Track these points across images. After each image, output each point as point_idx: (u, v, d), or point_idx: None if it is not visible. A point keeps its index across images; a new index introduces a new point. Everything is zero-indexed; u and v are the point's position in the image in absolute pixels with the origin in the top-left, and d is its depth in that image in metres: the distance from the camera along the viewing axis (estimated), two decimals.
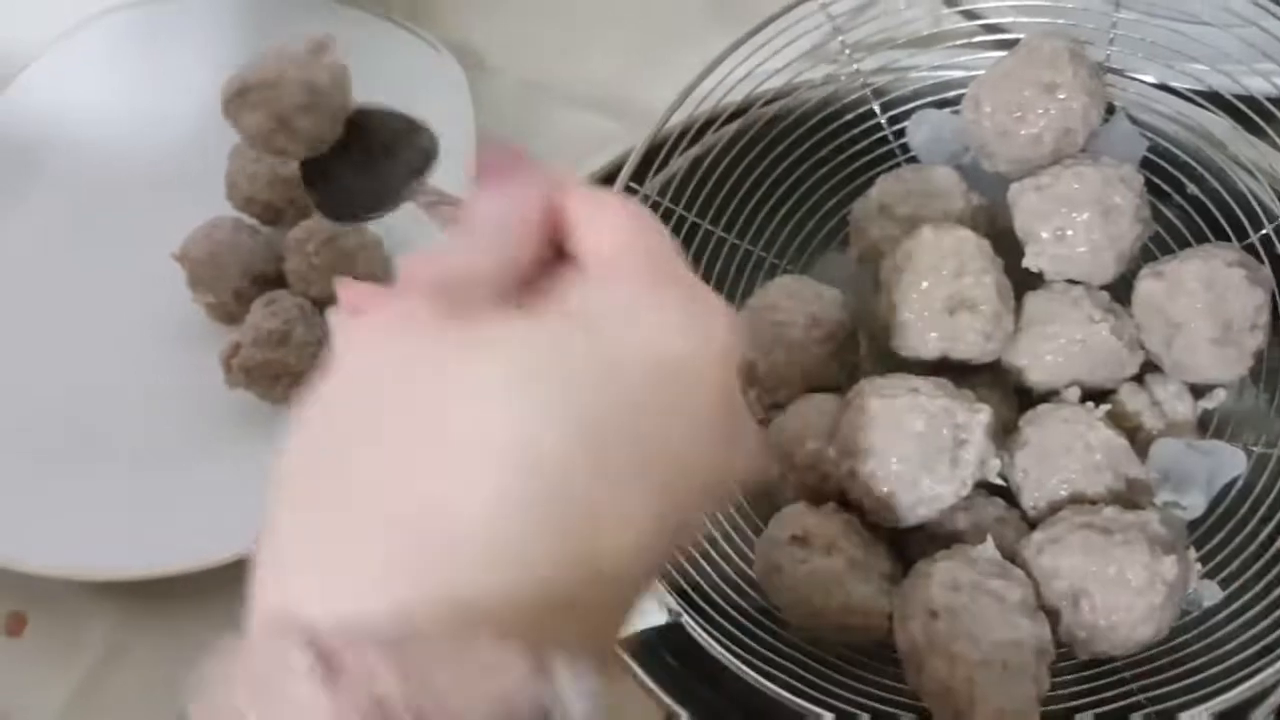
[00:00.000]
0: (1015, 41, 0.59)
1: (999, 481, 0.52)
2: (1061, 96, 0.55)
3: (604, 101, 0.86)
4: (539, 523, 0.27)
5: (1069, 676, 0.51)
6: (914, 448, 0.50)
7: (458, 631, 0.26)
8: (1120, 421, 0.54)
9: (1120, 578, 0.48)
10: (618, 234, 0.32)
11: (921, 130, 0.62)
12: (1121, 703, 0.50)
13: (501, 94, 0.88)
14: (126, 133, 0.94)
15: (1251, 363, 0.54)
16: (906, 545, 0.54)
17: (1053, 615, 0.49)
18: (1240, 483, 0.54)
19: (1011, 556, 0.51)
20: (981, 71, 0.59)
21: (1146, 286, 0.55)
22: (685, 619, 0.51)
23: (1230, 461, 0.55)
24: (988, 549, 0.50)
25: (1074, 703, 0.50)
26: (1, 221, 0.91)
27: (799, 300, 0.58)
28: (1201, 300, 0.53)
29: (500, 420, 0.27)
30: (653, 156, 0.60)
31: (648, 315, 0.30)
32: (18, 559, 0.74)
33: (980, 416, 0.50)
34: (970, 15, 0.64)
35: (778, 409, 0.58)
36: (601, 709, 0.26)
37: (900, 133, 0.63)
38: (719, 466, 0.32)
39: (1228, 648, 0.50)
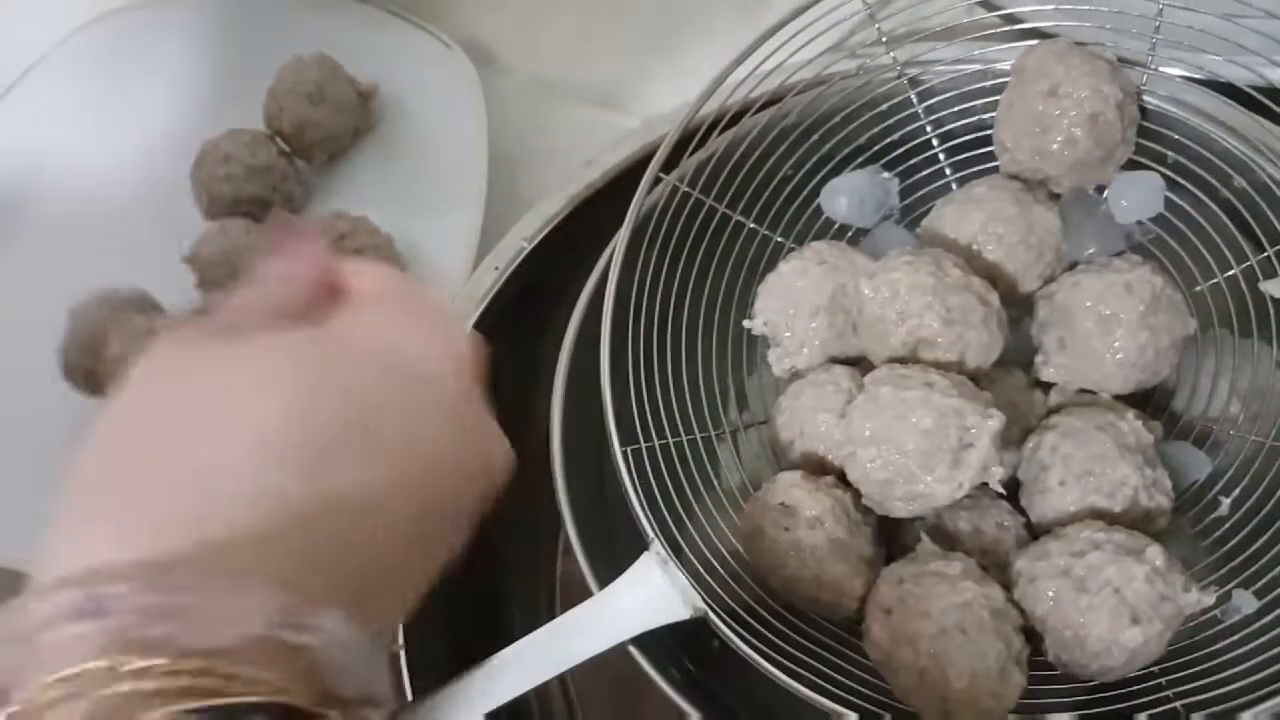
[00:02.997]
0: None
1: (1000, 490, 0.55)
2: (1067, 91, 0.58)
3: (614, 97, 0.89)
4: (289, 468, 0.36)
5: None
6: (917, 444, 0.52)
7: (223, 571, 0.33)
8: None
9: (1079, 637, 0.51)
10: (378, 280, 0.44)
11: (839, 200, 0.65)
12: (1157, 709, 0.51)
13: (512, 90, 0.91)
14: (129, 136, 0.96)
15: None
16: (900, 535, 0.58)
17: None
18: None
19: (1005, 567, 0.54)
20: None
21: None
22: (711, 615, 0.53)
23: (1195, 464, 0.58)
24: (925, 544, 0.54)
25: (1110, 707, 0.52)
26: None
27: (829, 266, 0.60)
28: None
29: (250, 402, 0.37)
30: (680, 147, 0.63)
31: (392, 331, 0.41)
32: (29, 561, 0.76)
33: (991, 423, 0.52)
34: (1011, 19, 0.65)
35: (797, 375, 0.60)
36: (361, 657, 0.34)
37: (938, 123, 0.65)
38: (464, 457, 0.42)
39: (1266, 656, 0.51)
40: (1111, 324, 0.56)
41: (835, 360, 0.61)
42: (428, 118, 0.91)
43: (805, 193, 0.65)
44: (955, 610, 0.50)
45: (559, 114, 0.91)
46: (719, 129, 0.63)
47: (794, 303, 0.60)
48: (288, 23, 0.97)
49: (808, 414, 0.58)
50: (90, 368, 0.80)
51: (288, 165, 0.88)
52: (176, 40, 0.99)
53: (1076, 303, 0.57)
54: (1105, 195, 0.61)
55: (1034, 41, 0.61)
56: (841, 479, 0.56)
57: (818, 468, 0.58)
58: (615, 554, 0.58)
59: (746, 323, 0.61)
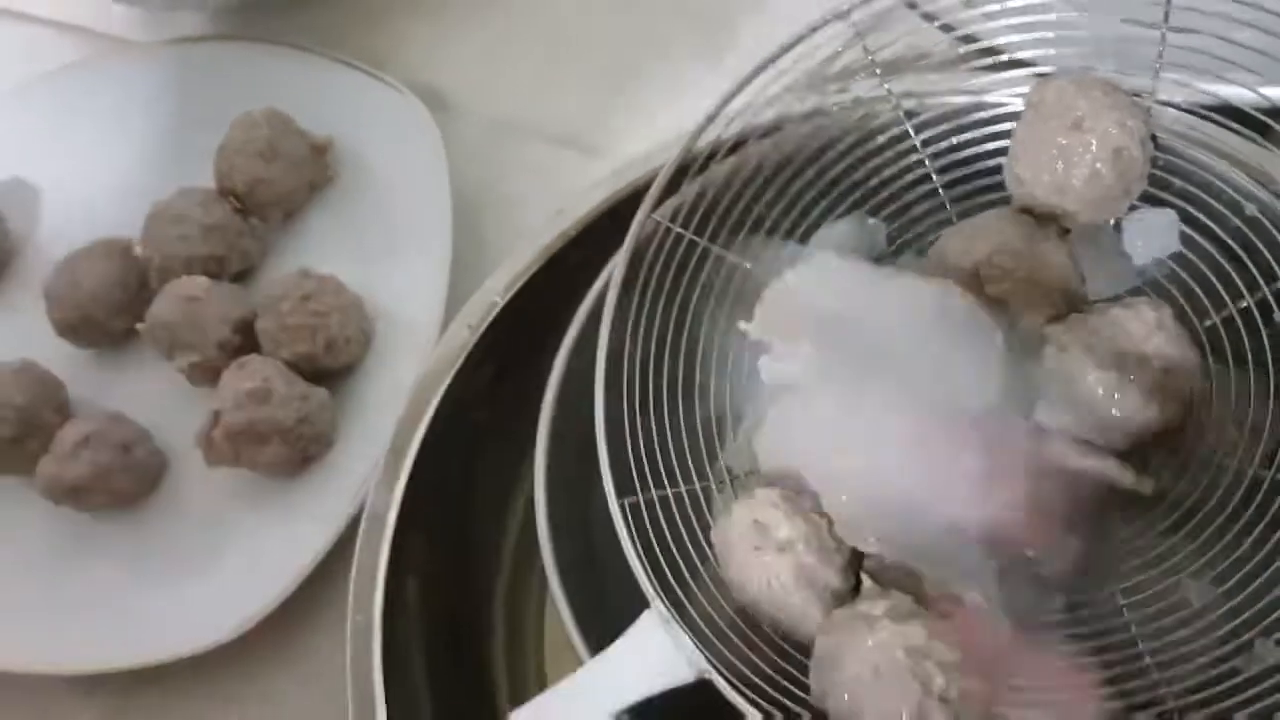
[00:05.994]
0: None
1: None
2: (1091, 125, 0.57)
3: (576, 136, 0.90)
4: None
5: None
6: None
7: None
8: None
9: None
10: None
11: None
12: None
13: (470, 134, 0.92)
14: (74, 193, 0.96)
15: None
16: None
17: None
18: None
19: None
20: (1019, 89, 0.62)
21: None
22: (717, 678, 0.53)
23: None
24: (867, 585, 0.54)
25: None
26: None
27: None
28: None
29: None
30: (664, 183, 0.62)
31: None
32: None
33: None
34: (991, 51, 0.66)
35: (788, 386, 0.60)
36: None
37: (936, 155, 0.65)
38: None
39: None
40: (1120, 398, 0.56)
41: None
42: (386, 168, 0.90)
43: (803, 228, 0.64)
44: (869, 653, 0.50)
45: (520, 155, 0.92)
46: (705, 166, 0.63)
47: (792, 310, 0.60)
48: (234, 75, 0.97)
49: (793, 429, 0.58)
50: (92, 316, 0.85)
51: (242, 223, 0.88)
52: (115, 98, 0.99)
53: (1086, 368, 0.56)
54: (1116, 228, 0.61)
55: (1046, 69, 0.61)
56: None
57: (795, 485, 0.57)
58: (606, 613, 0.58)
59: (742, 324, 0.61)
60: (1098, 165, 0.57)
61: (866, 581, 0.54)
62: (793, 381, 0.60)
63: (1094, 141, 0.57)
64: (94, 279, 0.85)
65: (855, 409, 0.57)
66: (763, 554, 0.54)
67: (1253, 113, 0.59)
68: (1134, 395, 0.56)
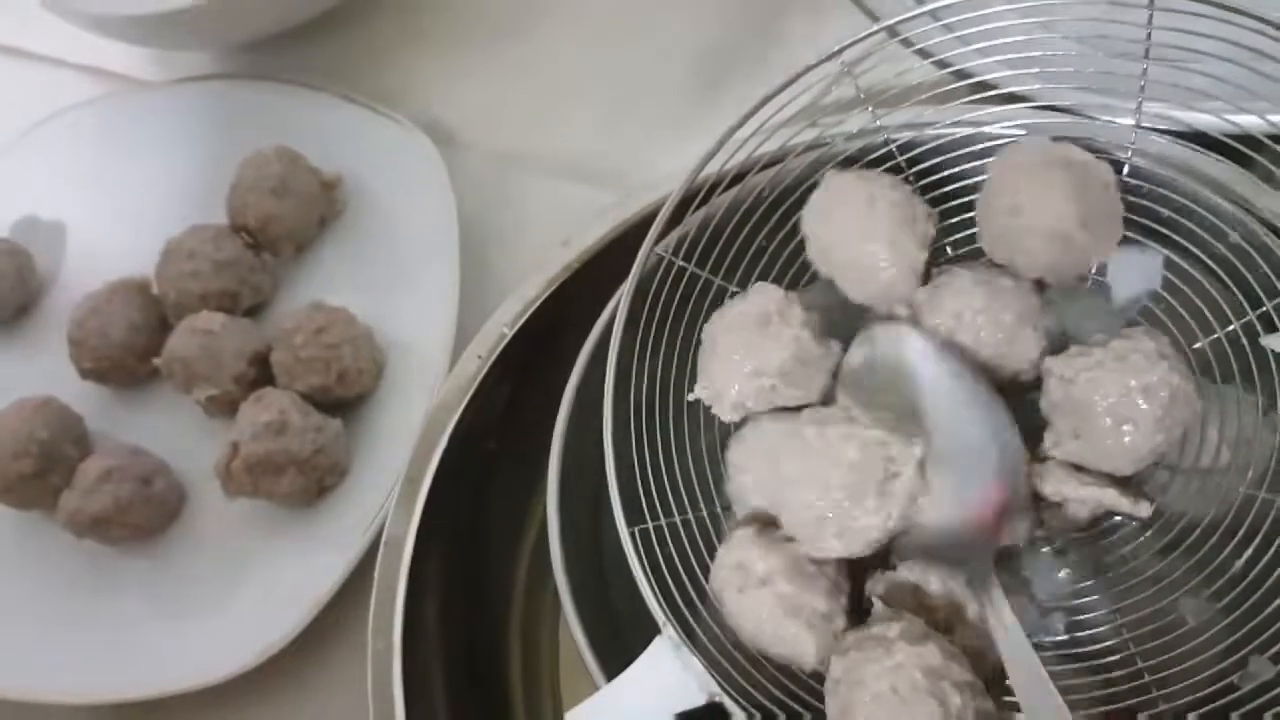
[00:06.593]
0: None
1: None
2: (1029, 211, 0.59)
3: (580, 169, 0.92)
4: None
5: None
6: (843, 478, 0.53)
7: None
8: None
9: None
10: None
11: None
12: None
13: (477, 168, 0.93)
14: (94, 232, 0.98)
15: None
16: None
17: None
18: None
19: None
20: (1009, 121, 0.64)
21: None
22: (728, 702, 0.54)
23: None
24: (878, 608, 0.55)
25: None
26: None
27: (732, 304, 0.61)
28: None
29: None
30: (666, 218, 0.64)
31: None
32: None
33: (915, 450, 0.54)
34: (982, 85, 0.67)
35: (742, 424, 0.62)
36: None
37: (929, 186, 0.66)
38: None
39: None
40: (1129, 428, 0.56)
41: (776, 405, 0.61)
42: (393, 202, 0.92)
43: (798, 264, 0.65)
44: (887, 674, 0.51)
45: (526, 188, 0.93)
46: (705, 199, 0.65)
47: (711, 351, 0.61)
48: (244, 113, 0.98)
49: (750, 460, 0.60)
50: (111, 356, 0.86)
51: (254, 258, 0.89)
52: (129, 137, 1.00)
53: (1092, 399, 0.57)
54: (1096, 275, 0.63)
55: (1037, 104, 0.63)
56: None
57: (765, 518, 0.59)
58: (619, 632, 0.60)
59: (689, 395, 0.62)
60: (1035, 249, 0.60)
61: (877, 604, 0.55)
62: (736, 402, 0.61)
63: (1032, 226, 0.60)
64: (119, 327, 0.86)
65: (792, 424, 0.58)
66: (746, 594, 0.56)
67: (1232, 142, 0.60)
68: (1143, 424, 0.56)
